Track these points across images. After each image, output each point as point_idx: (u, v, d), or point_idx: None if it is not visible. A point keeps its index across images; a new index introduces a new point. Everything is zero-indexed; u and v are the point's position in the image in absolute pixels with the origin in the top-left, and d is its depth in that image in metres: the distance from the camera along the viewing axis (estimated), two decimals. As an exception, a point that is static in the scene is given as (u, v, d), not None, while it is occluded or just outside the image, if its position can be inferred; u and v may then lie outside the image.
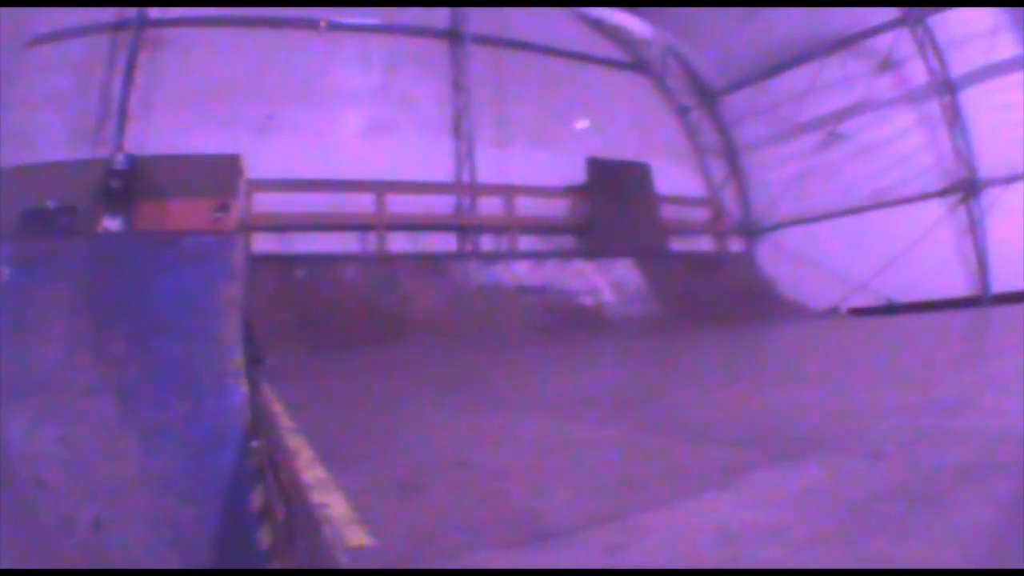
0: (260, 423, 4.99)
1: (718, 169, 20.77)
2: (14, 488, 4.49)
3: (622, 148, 18.78)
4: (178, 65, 14.64)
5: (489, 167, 17.35)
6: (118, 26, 14.42)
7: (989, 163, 14.94)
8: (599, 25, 19.56)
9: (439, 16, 17.55)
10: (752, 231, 20.15)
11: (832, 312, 17.25)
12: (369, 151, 15.88)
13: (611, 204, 17.78)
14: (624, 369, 10.03)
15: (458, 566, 2.33)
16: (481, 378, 9.17)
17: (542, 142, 18.20)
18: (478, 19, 17.66)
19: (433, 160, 16.82)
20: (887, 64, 16.19)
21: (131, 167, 12.56)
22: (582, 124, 19.03)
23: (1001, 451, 3.35)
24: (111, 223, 12.08)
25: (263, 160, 13.67)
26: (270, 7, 15.53)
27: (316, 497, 3.04)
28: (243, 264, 5.84)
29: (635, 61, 20.40)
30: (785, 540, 2.33)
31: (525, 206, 17.37)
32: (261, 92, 15.13)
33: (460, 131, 17.37)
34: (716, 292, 17.51)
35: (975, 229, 15.26)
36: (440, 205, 16.72)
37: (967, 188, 15.32)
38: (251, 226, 13.77)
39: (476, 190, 17.19)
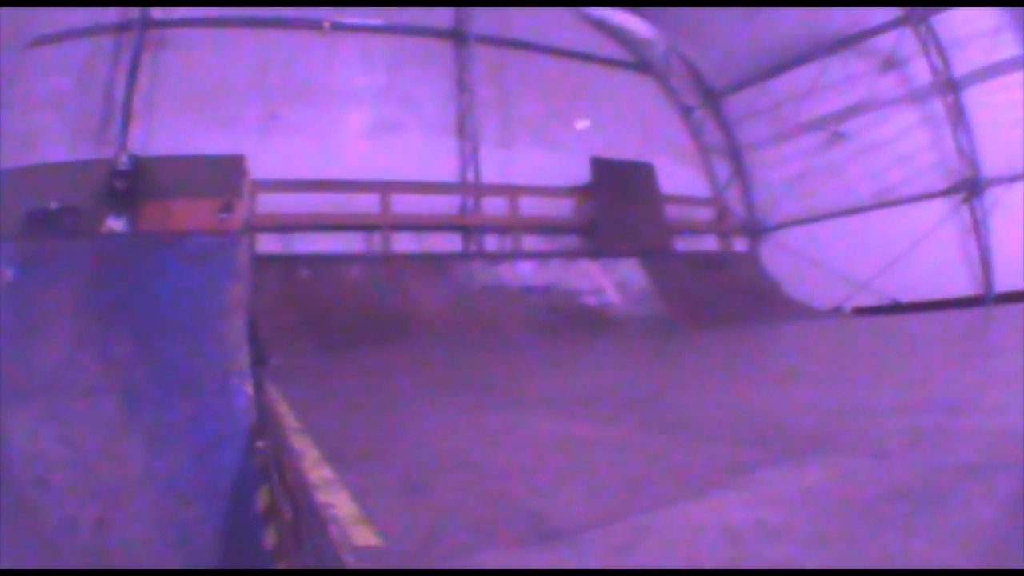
0: (265, 423, 5.00)
1: (722, 169, 20.78)
2: (17, 489, 4.50)
3: (626, 148, 18.77)
4: (181, 66, 14.66)
5: (493, 167, 17.37)
6: (121, 27, 14.45)
7: (992, 162, 14.92)
8: (602, 25, 19.56)
9: (442, 16, 17.55)
10: (755, 231, 20.14)
11: (836, 312, 17.24)
12: (373, 151, 15.90)
13: (615, 204, 17.79)
14: (628, 369, 10.03)
15: (464, 566, 2.34)
16: (485, 378, 9.17)
17: (546, 142, 18.20)
18: (481, 19, 17.66)
19: (437, 160, 16.83)
20: (890, 64, 16.19)
21: (135, 168, 12.57)
22: (586, 124, 19.04)
23: (1004, 450, 3.34)
24: (115, 224, 12.09)
25: (267, 160, 13.68)
26: (273, 7, 15.53)
27: (322, 497, 3.04)
28: (247, 264, 5.85)
29: (638, 61, 20.39)
30: (790, 539, 2.33)
31: (529, 206, 17.38)
32: (265, 92, 15.17)
33: (464, 131, 17.38)
34: (720, 292, 17.48)
35: (978, 228, 15.24)
36: (444, 205, 16.73)
37: (970, 187, 15.30)
38: (255, 226, 13.78)
39: (480, 190, 17.20)
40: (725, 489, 3.06)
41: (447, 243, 16.78)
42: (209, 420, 4.94)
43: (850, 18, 16.37)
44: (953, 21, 14.92)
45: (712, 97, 20.52)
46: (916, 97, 16.12)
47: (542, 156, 17.87)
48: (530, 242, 17.34)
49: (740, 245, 20.40)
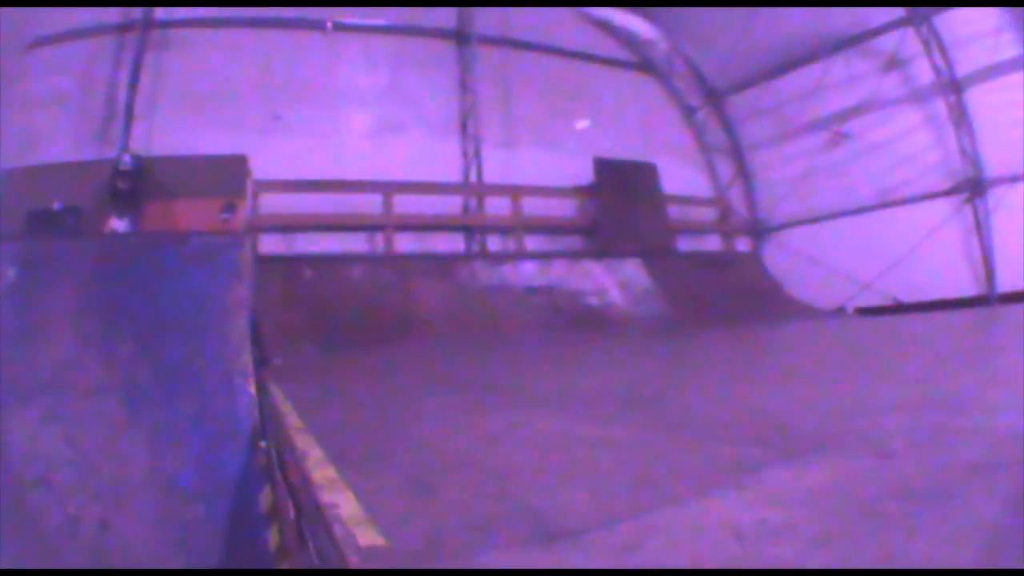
0: (268, 423, 5.00)
1: (724, 169, 20.75)
2: (18, 489, 4.50)
3: (628, 148, 18.75)
4: (184, 66, 14.65)
5: (495, 167, 17.35)
6: (123, 27, 14.44)
7: (995, 162, 14.89)
8: (604, 25, 19.55)
9: (445, 16, 17.52)
10: (758, 231, 20.13)
11: (838, 312, 17.22)
12: (375, 151, 15.88)
13: (618, 204, 17.78)
14: (630, 368, 10.01)
15: (469, 566, 2.34)
16: (488, 378, 9.17)
17: (548, 142, 18.19)
18: (484, 19, 17.63)
19: (439, 160, 16.81)
20: (892, 63, 16.16)
21: (137, 168, 12.55)
22: (588, 124, 19.03)
23: (1007, 449, 3.35)
24: (117, 224, 12.09)
25: (269, 161, 13.65)
26: (276, 8, 15.53)
27: (325, 497, 3.05)
28: (250, 265, 5.86)
29: (641, 61, 20.37)
30: (793, 538, 2.34)
31: (532, 206, 17.35)
32: (267, 92, 15.16)
33: (466, 131, 17.37)
34: (723, 292, 17.49)
35: (981, 229, 15.21)
36: (447, 205, 16.70)
37: (973, 187, 15.28)
38: (257, 227, 13.80)
39: (483, 190, 17.19)
40: (728, 488, 3.06)
41: (450, 243, 16.76)
42: (212, 420, 4.94)
43: (852, 18, 16.35)
44: (955, 21, 14.90)
45: (714, 97, 20.51)
46: (918, 97, 16.10)
47: (545, 156, 17.86)
48: (532, 242, 17.32)
49: (743, 245, 20.38)
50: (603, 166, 17.79)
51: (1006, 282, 14.59)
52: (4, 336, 4.85)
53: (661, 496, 3.09)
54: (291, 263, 14.12)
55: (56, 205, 11.72)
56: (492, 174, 17.30)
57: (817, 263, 17.77)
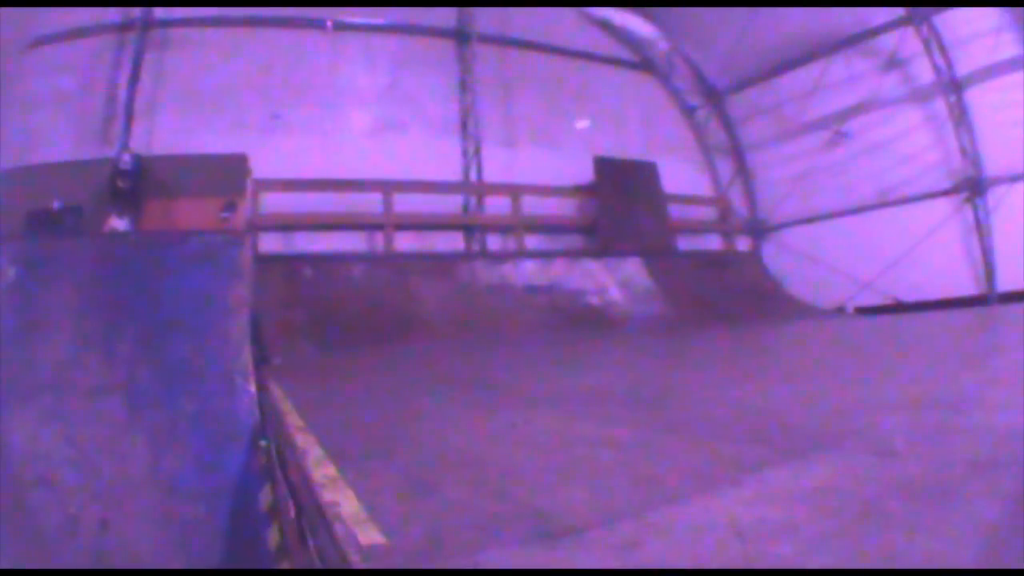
0: (268, 422, 5.00)
1: (724, 168, 20.75)
2: (19, 488, 4.50)
3: (629, 147, 18.77)
4: (184, 65, 14.64)
5: (496, 166, 17.34)
6: (124, 26, 14.43)
7: (995, 162, 14.89)
8: (605, 25, 19.54)
9: (445, 16, 17.51)
10: (758, 230, 20.13)
11: (838, 311, 17.23)
12: (376, 150, 15.86)
13: (618, 203, 17.77)
14: (631, 368, 10.01)
15: (470, 565, 2.34)
16: (488, 377, 9.16)
17: (549, 141, 18.19)
18: (484, 18, 17.63)
19: (440, 159, 16.80)
20: (892, 63, 16.16)
21: (137, 167, 12.53)
22: (588, 123, 19.02)
23: (1007, 447, 3.35)
24: (118, 223, 12.07)
25: (270, 160, 13.62)
26: (276, 7, 15.52)
27: (327, 496, 3.05)
28: (250, 264, 5.86)
29: (641, 60, 20.37)
30: (794, 537, 2.34)
31: (532, 205, 17.33)
32: (267, 92, 15.15)
33: (467, 130, 17.35)
34: (723, 291, 17.49)
35: (981, 228, 15.21)
36: (447, 204, 16.69)
37: (973, 187, 15.27)
38: (258, 226, 13.78)
39: (483, 189, 17.17)
40: (729, 487, 3.06)
41: (450, 243, 16.76)
42: (212, 419, 4.95)
43: (852, 18, 16.36)
44: (955, 21, 14.90)
45: (715, 96, 20.51)
46: (919, 97, 16.10)
47: (545, 155, 17.86)
48: (533, 241, 17.31)
49: (743, 244, 20.38)
50: (603, 165, 17.78)
51: (1006, 282, 14.59)
52: (4, 336, 4.85)
53: (662, 495, 3.09)
54: (291, 262, 14.10)
55: (56, 204, 11.70)
56: (492, 173, 17.29)
57: (817, 262, 17.78)
